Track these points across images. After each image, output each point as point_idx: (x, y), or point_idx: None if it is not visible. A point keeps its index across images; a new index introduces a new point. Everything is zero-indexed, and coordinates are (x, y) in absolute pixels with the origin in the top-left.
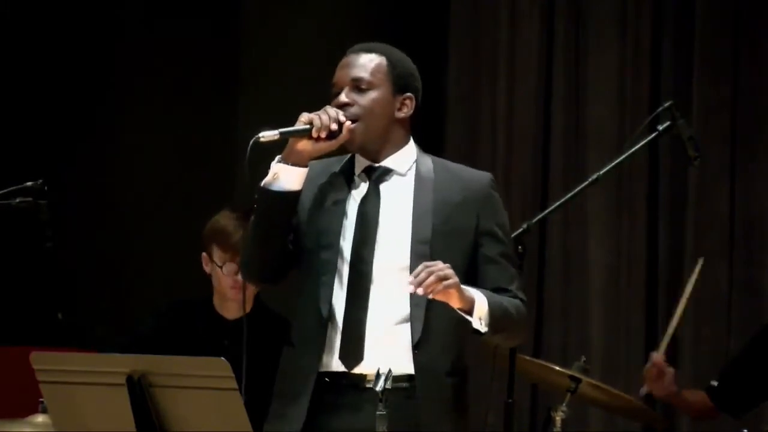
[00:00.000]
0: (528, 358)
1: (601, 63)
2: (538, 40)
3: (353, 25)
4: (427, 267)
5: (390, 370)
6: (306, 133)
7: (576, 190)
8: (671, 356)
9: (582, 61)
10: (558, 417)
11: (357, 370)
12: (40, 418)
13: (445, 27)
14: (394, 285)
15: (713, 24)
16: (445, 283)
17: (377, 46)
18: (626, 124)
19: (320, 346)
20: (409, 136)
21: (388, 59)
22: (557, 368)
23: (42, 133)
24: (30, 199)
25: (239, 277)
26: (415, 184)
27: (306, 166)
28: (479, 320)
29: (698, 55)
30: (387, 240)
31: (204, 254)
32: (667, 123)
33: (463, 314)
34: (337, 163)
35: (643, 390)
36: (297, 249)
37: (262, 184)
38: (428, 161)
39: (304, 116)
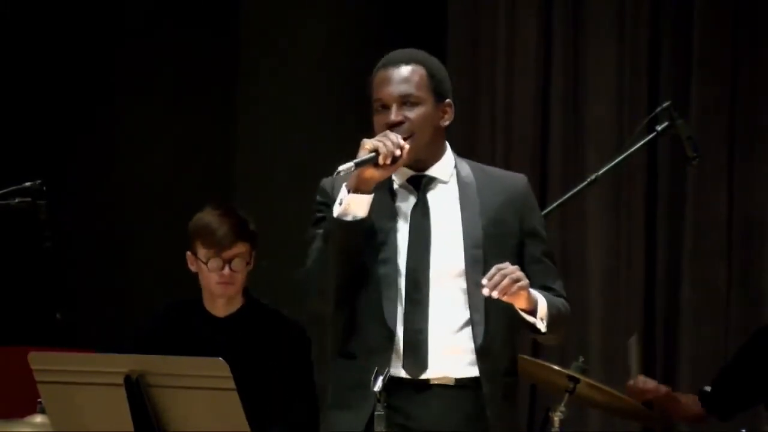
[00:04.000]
0: (527, 357)
1: (600, 62)
2: (537, 40)
3: (353, 25)
4: (500, 270)
5: (388, 370)
6: (373, 161)
7: (574, 190)
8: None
9: (581, 61)
10: (556, 417)
11: (422, 377)
12: (38, 419)
13: (444, 27)
14: (451, 291)
15: (712, 24)
16: (519, 284)
17: (414, 55)
18: (625, 124)
19: (388, 358)
20: (446, 142)
21: (427, 69)
22: (556, 368)
23: (41, 133)
24: (29, 199)
25: (225, 271)
26: (459, 190)
27: (372, 193)
28: (541, 320)
29: (697, 54)
30: (440, 247)
31: (189, 253)
32: (666, 123)
33: (525, 315)
34: None
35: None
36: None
37: (335, 215)
38: (465, 166)
39: (368, 143)
